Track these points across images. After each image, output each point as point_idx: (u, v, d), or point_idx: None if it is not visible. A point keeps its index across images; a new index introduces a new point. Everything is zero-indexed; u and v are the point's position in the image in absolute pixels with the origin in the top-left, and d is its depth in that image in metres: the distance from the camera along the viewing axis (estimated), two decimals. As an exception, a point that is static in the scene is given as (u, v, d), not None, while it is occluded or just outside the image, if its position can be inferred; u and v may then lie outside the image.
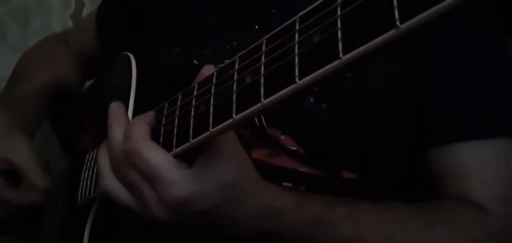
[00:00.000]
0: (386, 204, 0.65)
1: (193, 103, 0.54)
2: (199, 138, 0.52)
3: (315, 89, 0.68)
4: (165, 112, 0.59)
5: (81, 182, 0.76)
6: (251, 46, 0.48)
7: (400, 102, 0.70)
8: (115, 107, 0.63)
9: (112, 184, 0.59)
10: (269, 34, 0.46)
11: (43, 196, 0.84)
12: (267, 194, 0.58)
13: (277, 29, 0.45)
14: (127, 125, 0.59)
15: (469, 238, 0.65)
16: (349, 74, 0.68)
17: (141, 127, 0.57)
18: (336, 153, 0.70)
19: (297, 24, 0.42)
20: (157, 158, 0.54)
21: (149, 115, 0.60)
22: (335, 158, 0.70)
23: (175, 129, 0.56)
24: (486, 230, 0.66)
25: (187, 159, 0.55)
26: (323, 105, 0.69)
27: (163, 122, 0.58)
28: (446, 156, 0.69)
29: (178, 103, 0.57)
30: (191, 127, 0.53)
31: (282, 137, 0.70)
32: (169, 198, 0.54)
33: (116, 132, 0.59)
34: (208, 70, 0.56)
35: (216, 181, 0.54)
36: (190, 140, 0.52)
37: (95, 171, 0.71)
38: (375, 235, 0.62)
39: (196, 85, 0.55)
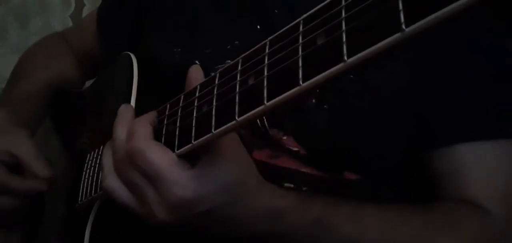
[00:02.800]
0: (387, 205, 0.65)
1: (195, 104, 0.53)
2: (201, 139, 0.51)
3: (317, 90, 0.68)
4: (167, 113, 0.58)
5: (82, 182, 0.76)
6: (254, 48, 0.48)
7: (402, 104, 0.70)
8: (124, 109, 0.62)
9: (113, 184, 0.58)
10: (273, 36, 0.46)
11: (46, 185, 0.84)
12: (269, 195, 0.57)
13: (280, 31, 0.45)
14: (130, 124, 0.58)
15: (469, 239, 0.65)
16: (351, 76, 0.68)
17: (144, 126, 0.56)
18: (338, 154, 0.70)
19: (301, 26, 0.42)
20: (159, 157, 0.53)
21: (152, 115, 0.59)
22: (337, 159, 0.70)
23: (177, 130, 0.55)
24: (487, 230, 0.66)
25: (190, 160, 0.54)
26: (325, 106, 0.69)
27: (165, 123, 0.58)
28: (448, 157, 0.69)
29: (180, 104, 0.56)
30: (193, 128, 0.52)
31: (284, 138, 0.70)
32: (171, 199, 0.53)
33: (120, 131, 0.58)
34: (196, 72, 0.57)
35: (219, 181, 0.53)
36: (192, 142, 0.52)
37: (96, 171, 0.71)
38: (376, 236, 0.62)
39: (199, 86, 0.55)
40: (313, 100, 0.69)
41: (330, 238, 0.60)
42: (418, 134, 0.71)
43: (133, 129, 0.56)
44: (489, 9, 0.67)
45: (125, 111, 0.62)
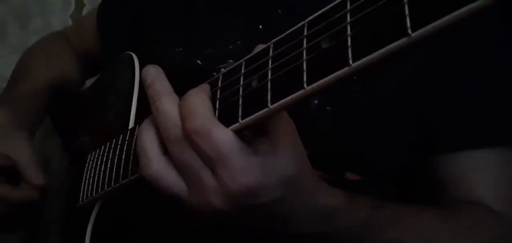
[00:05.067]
0: (422, 207, 0.64)
1: None
2: None
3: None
4: None
5: (82, 182, 0.76)
6: (258, 51, 0.48)
7: (405, 106, 0.70)
8: (154, 71, 0.54)
9: (162, 168, 0.51)
10: (277, 39, 0.46)
11: (38, 194, 0.84)
12: (322, 193, 0.54)
13: (284, 34, 0.45)
14: (187, 99, 0.50)
15: (494, 240, 0.66)
16: (355, 77, 0.67)
17: (205, 101, 0.49)
18: (340, 154, 0.70)
19: (305, 30, 0.42)
20: (227, 139, 0.47)
21: (206, 88, 0.52)
22: (339, 160, 0.70)
23: None
24: (503, 231, 0.67)
25: None
26: (327, 108, 0.69)
27: None
28: (453, 162, 0.70)
29: None
30: None
31: None
32: (232, 186, 0.47)
33: (169, 106, 0.50)
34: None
35: (280, 173, 0.48)
36: None
37: (98, 171, 0.70)
38: (415, 238, 0.61)
39: None
40: (315, 102, 0.69)
41: (375, 239, 0.58)
42: (422, 136, 0.71)
43: (192, 105, 0.49)
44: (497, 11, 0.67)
45: (159, 76, 0.53)
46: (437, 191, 0.71)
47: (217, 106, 0.50)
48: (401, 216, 0.61)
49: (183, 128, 0.49)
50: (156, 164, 0.51)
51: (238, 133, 0.48)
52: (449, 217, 0.65)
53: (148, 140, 0.52)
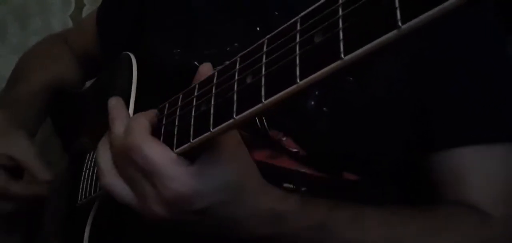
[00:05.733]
0: (388, 208, 0.65)
1: (194, 103, 0.54)
2: (199, 138, 0.51)
3: (316, 93, 0.68)
4: (165, 113, 0.59)
5: (81, 182, 0.76)
6: (252, 47, 0.48)
7: (401, 106, 0.70)
8: (114, 102, 0.63)
9: (113, 181, 0.58)
10: (271, 34, 0.46)
11: (46, 188, 0.84)
12: (270, 197, 0.57)
13: (278, 30, 0.45)
14: (128, 120, 0.58)
15: (472, 241, 0.65)
16: (351, 78, 0.68)
17: (142, 122, 0.56)
18: (337, 155, 0.70)
19: (298, 24, 0.42)
20: (156, 153, 0.54)
21: (150, 112, 0.59)
22: (336, 160, 0.70)
23: (176, 129, 0.55)
24: (487, 233, 0.66)
25: (191, 158, 0.55)
26: (324, 109, 0.69)
27: (163, 122, 0.58)
28: (447, 160, 0.69)
29: (179, 103, 0.57)
30: (192, 126, 0.53)
31: (284, 139, 0.70)
32: (167, 194, 0.53)
33: (118, 127, 0.58)
34: (205, 69, 0.56)
35: (217, 179, 0.53)
36: (191, 140, 0.52)
37: (95, 171, 0.71)
38: (378, 239, 0.62)
39: (197, 85, 0.55)
40: (312, 103, 0.69)
41: (331, 240, 0.60)
42: (418, 133, 0.71)
43: (130, 124, 0.56)
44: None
45: (117, 105, 0.62)
46: (432, 190, 0.70)
47: (212, 102, 0.51)
48: (363, 218, 0.62)
49: (123, 145, 0.56)
50: (107, 176, 0.58)
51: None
52: (419, 219, 0.65)
53: (102, 155, 0.59)
